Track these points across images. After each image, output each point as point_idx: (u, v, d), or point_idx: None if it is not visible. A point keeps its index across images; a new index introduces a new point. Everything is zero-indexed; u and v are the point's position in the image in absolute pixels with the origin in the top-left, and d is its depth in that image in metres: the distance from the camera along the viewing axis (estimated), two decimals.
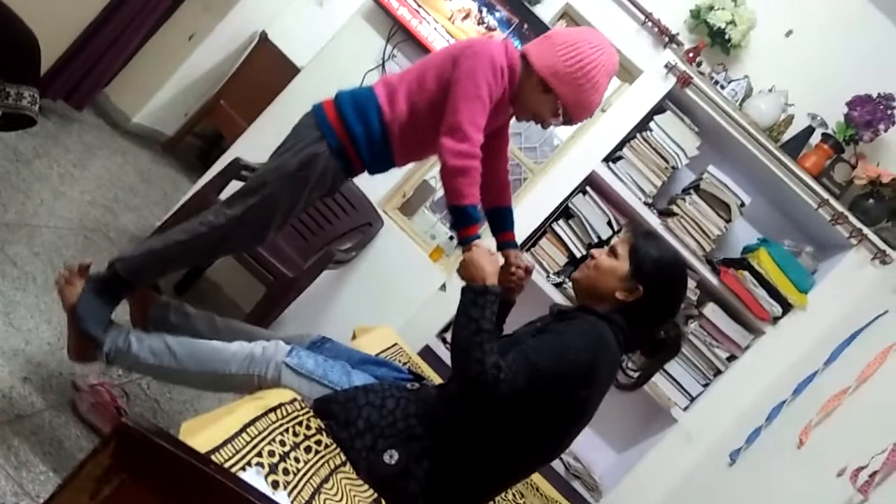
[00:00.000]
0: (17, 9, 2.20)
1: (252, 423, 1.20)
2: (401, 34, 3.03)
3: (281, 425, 1.28)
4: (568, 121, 1.84)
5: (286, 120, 2.90)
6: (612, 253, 1.60)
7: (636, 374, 1.67)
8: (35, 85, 2.00)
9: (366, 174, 1.94)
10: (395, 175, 3.02)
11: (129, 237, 2.97)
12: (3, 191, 2.49)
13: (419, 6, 2.96)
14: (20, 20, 1.97)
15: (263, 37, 4.63)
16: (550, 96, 1.76)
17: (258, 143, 3.05)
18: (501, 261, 1.73)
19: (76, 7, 3.02)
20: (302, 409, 1.40)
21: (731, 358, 2.80)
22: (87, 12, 3.14)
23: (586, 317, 1.55)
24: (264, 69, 4.53)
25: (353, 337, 2.42)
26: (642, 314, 1.56)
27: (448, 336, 2.76)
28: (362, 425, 1.45)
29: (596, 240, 2.84)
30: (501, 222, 1.92)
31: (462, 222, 1.67)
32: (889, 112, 2.68)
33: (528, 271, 1.81)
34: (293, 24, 4.78)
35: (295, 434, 1.30)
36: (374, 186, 3.01)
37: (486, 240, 1.69)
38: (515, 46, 1.86)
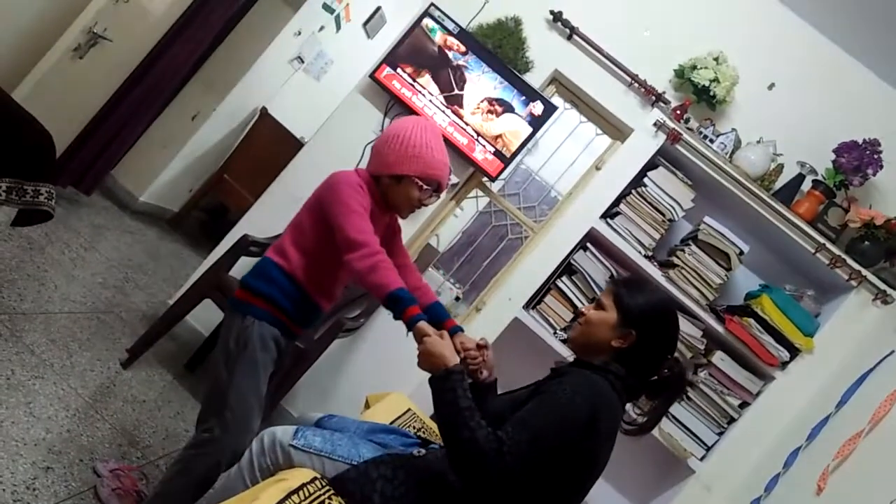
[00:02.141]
0: (28, 102, 2.31)
1: None
2: (398, 107, 3.14)
3: None
4: (436, 187, 2.02)
5: (291, 194, 3.02)
6: (599, 306, 1.65)
7: (646, 418, 1.67)
8: (51, 181, 2.08)
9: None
10: None
11: (141, 316, 3.02)
12: (19, 280, 2.55)
13: (414, 81, 3.08)
14: (35, 121, 2.07)
15: (264, 112, 4.78)
16: (404, 181, 1.97)
17: (265, 217, 3.14)
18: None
19: (84, 98, 3.15)
20: (322, 487, 1.42)
21: (744, 405, 2.81)
22: (95, 102, 3.26)
23: (579, 371, 1.58)
24: (266, 143, 4.67)
25: (367, 405, 2.45)
26: (641, 357, 1.60)
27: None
28: (378, 500, 1.47)
29: (599, 294, 2.87)
30: (435, 316, 1.99)
31: (399, 307, 1.72)
32: (875, 156, 2.75)
33: (482, 347, 1.84)
34: (292, 98, 4.94)
35: None
36: None
37: None
38: (361, 170, 2.04)
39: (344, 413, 2.04)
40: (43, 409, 2.03)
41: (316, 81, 5.15)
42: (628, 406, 1.66)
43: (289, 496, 1.28)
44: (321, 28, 4.76)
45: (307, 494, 1.34)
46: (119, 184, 4.23)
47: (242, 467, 1.61)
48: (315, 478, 1.43)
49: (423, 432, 2.22)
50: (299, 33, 4.55)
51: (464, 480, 1.44)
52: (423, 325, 1.67)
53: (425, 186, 1.97)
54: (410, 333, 1.70)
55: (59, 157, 3.23)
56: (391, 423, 2.16)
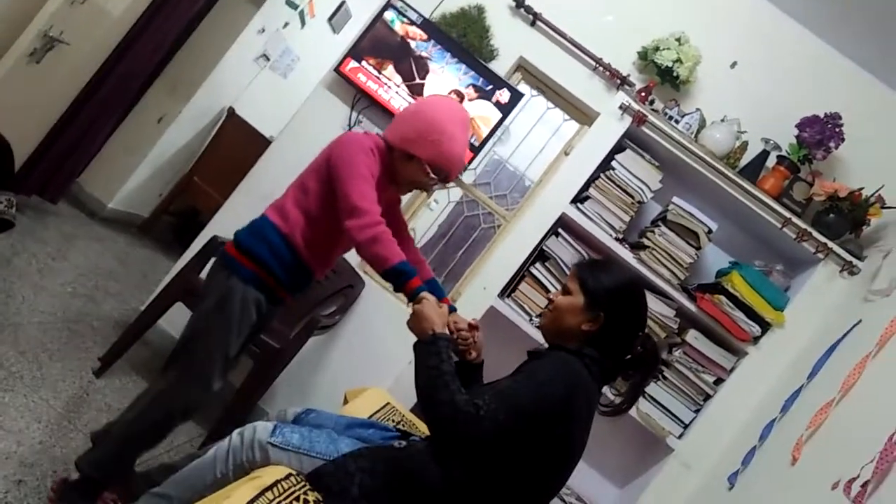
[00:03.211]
0: None
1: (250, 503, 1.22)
2: (364, 101, 3.13)
3: (279, 503, 1.29)
4: (444, 177, 1.98)
5: (260, 192, 2.99)
6: (566, 291, 1.67)
7: (624, 395, 1.68)
8: (10, 189, 2.04)
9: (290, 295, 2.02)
10: None
11: (113, 324, 2.98)
12: None
13: (379, 73, 3.07)
14: None
15: (231, 112, 4.74)
16: (414, 161, 1.93)
17: (234, 217, 3.10)
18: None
19: (44, 103, 3.09)
20: (298, 483, 1.42)
21: (718, 381, 2.85)
22: (55, 107, 3.21)
23: (556, 353, 1.60)
24: (234, 143, 4.63)
25: (345, 401, 2.44)
26: (612, 337, 1.62)
27: None
28: (357, 492, 1.46)
29: None
30: (432, 293, 1.98)
31: (400, 281, 1.74)
32: (837, 130, 2.79)
33: (473, 327, 1.85)
34: (258, 97, 4.90)
35: None
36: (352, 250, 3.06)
37: None
38: (376, 134, 2.00)
39: (323, 408, 2.04)
40: (13, 421, 2.00)
41: (283, 79, 5.11)
42: (605, 389, 1.67)
43: (262, 493, 1.27)
44: (286, 24, 4.72)
45: (282, 490, 1.34)
46: (86, 191, 4.17)
47: (217, 458, 1.60)
48: (290, 474, 1.43)
49: (403, 425, 2.22)
50: (263, 30, 4.51)
51: (438, 443, 1.47)
52: (426, 293, 1.69)
53: (433, 172, 1.94)
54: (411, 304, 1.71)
55: (21, 165, 3.19)
56: (370, 417, 2.16)
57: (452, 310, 1.94)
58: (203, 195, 4.56)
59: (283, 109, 4.30)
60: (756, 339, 2.79)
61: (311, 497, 1.40)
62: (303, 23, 4.87)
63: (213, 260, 2.02)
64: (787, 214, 2.79)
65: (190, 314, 2.62)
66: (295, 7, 4.67)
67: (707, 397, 2.84)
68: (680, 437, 2.81)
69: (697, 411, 2.84)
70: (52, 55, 2.76)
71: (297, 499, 1.36)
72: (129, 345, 2.61)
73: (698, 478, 2.69)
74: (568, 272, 2.89)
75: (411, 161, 1.94)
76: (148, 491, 1.67)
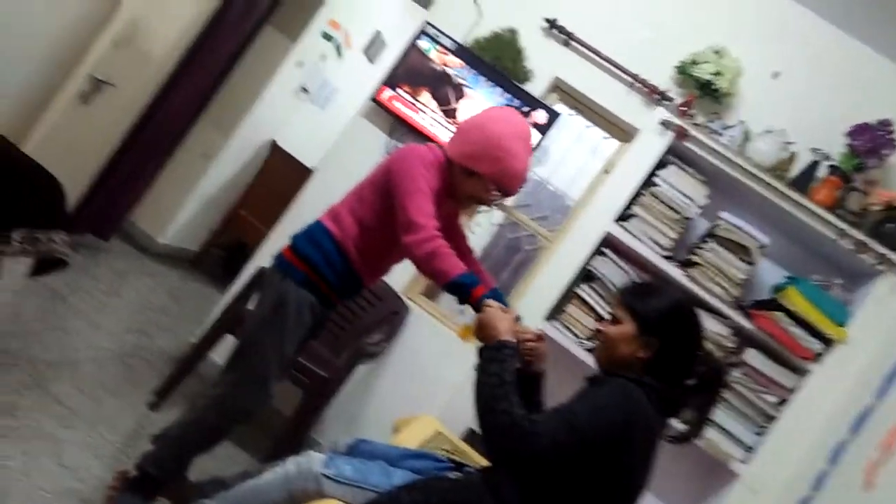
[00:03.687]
0: (38, 153, 2.35)
1: None
2: (401, 128, 3.15)
3: None
4: (505, 192, 1.96)
5: (304, 222, 3.00)
6: (615, 320, 1.61)
7: (693, 421, 1.62)
8: (64, 228, 2.10)
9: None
10: None
11: (166, 358, 3.03)
12: (43, 331, 2.58)
13: (415, 100, 3.09)
14: (43, 169, 2.10)
15: (274, 145, 4.82)
16: (475, 177, 1.90)
17: (280, 248, 3.15)
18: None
19: (94, 144, 3.19)
20: None
21: (782, 402, 2.74)
22: (105, 147, 3.31)
23: (617, 380, 1.54)
24: (278, 175, 4.70)
25: (395, 430, 2.43)
26: (671, 362, 1.56)
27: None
28: None
29: None
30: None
31: (463, 293, 1.73)
32: (889, 137, 2.70)
33: (539, 338, 1.82)
34: (299, 129, 4.98)
35: None
36: (396, 275, 3.04)
37: None
38: (438, 148, 1.98)
39: (372, 438, 2.02)
40: (72, 458, 2.03)
41: (322, 110, 5.19)
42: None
43: None
44: (323, 57, 4.80)
45: None
46: (137, 227, 4.28)
47: (272, 484, 1.60)
48: None
49: (455, 455, 2.19)
50: (301, 64, 4.59)
51: (493, 455, 1.44)
52: (490, 300, 1.67)
53: (495, 189, 1.92)
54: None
55: (74, 204, 3.30)
56: (421, 446, 2.14)
57: (517, 318, 1.91)
58: (250, 228, 4.62)
59: (323, 140, 4.36)
60: (818, 357, 2.69)
61: None
62: (339, 54, 4.95)
63: (267, 270, 2.05)
64: (843, 226, 2.69)
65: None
66: (331, 39, 4.75)
67: (770, 418, 2.73)
68: (744, 461, 2.71)
69: (761, 433, 2.74)
70: (99, 97, 2.86)
71: None
72: (182, 378, 2.64)
73: None
74: (614, 295, 2.85)
75: (472, 177, 1.92)
76: (199, 501, 1.68)
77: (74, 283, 3.15)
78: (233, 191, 4.78)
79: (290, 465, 1.63)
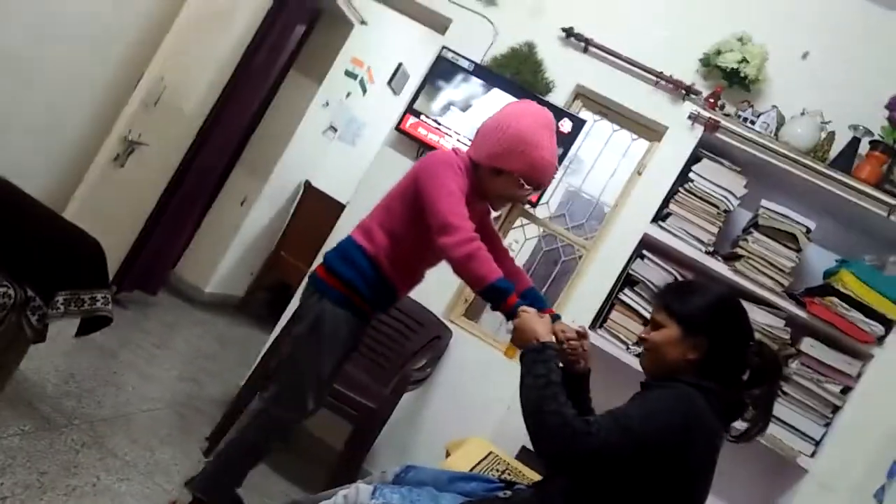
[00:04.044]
0: (79, 218, 2.43)
1: None
2: (428, 152, 3.15)
3: None
4: (537, 185, 1.93)
5: None
6: (656, 325, 1.56)
7: (755, 417, 1.54)
8: (105, 286, 2.15)
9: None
10: (452, 284, 3.07)
11: (218, 403, 3.07)
12: (96, 388, 2.64)
13: (439, 125, 3.10)
14: (81, 231, 2.16)
15: (307, 185, 4.91)
16: (504, 175, 1.88)
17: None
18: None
19: (132, 203, 3.29)
20: None
21: (846, 390, 2.61)
22: (143, 206, 3.41)
23: (674, 384, 1.48)
24: (314, 214, 4.77)
25: (448, 454, 2.40)
26: (723, 358, 1.50)
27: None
28: None
29: None
30: (534, 303, 1.91)
31: (498, 299, 1.70)
32: None
33: (582, 335, 1.77)
34: (331, 167, 5.07)
35: None
36: (435, 299, 3.06)
37: None
38: (462, 151, 1.98)
39: (425, 464, 2.00)
40: None
41: (352, 146, 5.27)
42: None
43: None
44: (348, 94, 4.88)
45: None
46: (183, 279, 4.38)
47: None
48: None
49: (509, 474, 2.15)
50: (327, 104, 4.67)
51: (544, 458, 1.40)
52: (524, 307, 1.67)
53: (525, 183, 1.90)
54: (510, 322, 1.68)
55: (120, 263, 3.39)
56: (472, 468, 2.10)
57: (557, 318, 1.88)
58: (291, 268, 4.69)
59: (355, 175, 4.42)
60: (880, 339, 2.56)
61: None
62: (364, 90, 5.03)
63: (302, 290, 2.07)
64: (892, 201, 2.57)
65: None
66: (354, 77, 4.83)
67: (835, 409, 2.61)
68: (812, 455, 2.58)
69: (827, 425, 2.61)
70: (133, 157, 2.95)
71: None
72: (233, 420, 2.65)
73: (841, 498, 2.45)
74: (652, 300, 2.77)
75: (501, 176, 1.90)
76: None
77: (125, 338, 3.23)
78: (271, 234, 4.87)
79: (339, 499, 1.61)
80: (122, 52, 2.92)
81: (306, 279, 2.06)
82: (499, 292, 1.70)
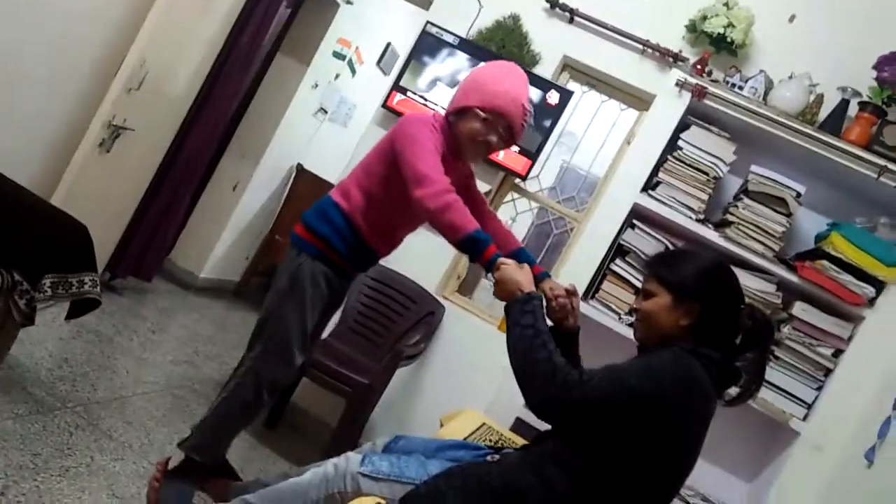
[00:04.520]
0: (71, 205, 2.43)
1: None
2: None
3: None
4: (500, 119, 1.89)
5: None
6: (647, 294, 1.57)
7: (747, 380, 1.55)
8: (93, 269, 2.16)
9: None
10: (444, 260, 3.07)
11: (214, 385, 3.08)
12: (90, 372, 2.65)
13: (425, 101, 3.08)
14: (68, 216, 2.16)
15: (300, 168, 4.89)
16: (467, 114, 1.89)
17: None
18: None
19: (122, 188, 3.28)
20: None
21: (838, 353, 2.61)
22: (134, 191, 3.40)
23: (672, 348, 1.48)
24: (307, 197, 4.75)
25: (441, 426, 2.40)
26: (715, 322, 1.51)
27: None
28: None
29: None
30: (521, 262, 1.92)
31: (475, 250, 1.69)
32: None
33: (571, 293, 1.77)
34: (323, 149, 5.05)
35: None
36: (428, 276, 3.06)
37: None
38: (441, 115, 2.00)
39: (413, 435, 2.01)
40: (125, 488, 2.07)
41: (343, 128, 5.25)
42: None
43: None
44: (337, 76, 4.86)
45: None
46: (178, 265, 4.39)
47: (311, 484, 1.60)
48: (378, 503, 1.40)
49: (502, 444, 2.16)
50: (316, 86, 4.65)
51: (536, 407, 1.40)
52: (504, 259, 1.66)
53: (487, 117, 1.88)
54: (490, 274, 1.68)
55: (112, 250, 3.39)
56: (465, 438, 2.11)
57: (546, 276, 1.88)
58: (286, 252, 4.69)
59: (348, 157, 4.41)
60: (871, 301, 2.55)
61: None
62: (353, 71, 5.00)
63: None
64: (882, 162, 2.55)
65: None
66: (343, 58, 4.80)
67: (827, 372, 2.61)
68: (805, 418, 2.59)
69: (820, 388, 2.61)
70: (119, 143, 2.93)
71: None
72: None
73: (832, 459, 2.46)
74: (642, 270, 2.77)
75: (464, 115, 1.90)
76: (240, 497, 1.70)
77: (120, 324, 3.24)
78: (265, 218, 4.87)
79: (329, 467, 1.62)
80: (106, 35, 2.90)
81: (289, 240, 2.08)
82: (476, 243, 1.69)
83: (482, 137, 1.91)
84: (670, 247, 2.79)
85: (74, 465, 2.06)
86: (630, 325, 2.77)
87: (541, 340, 1.41)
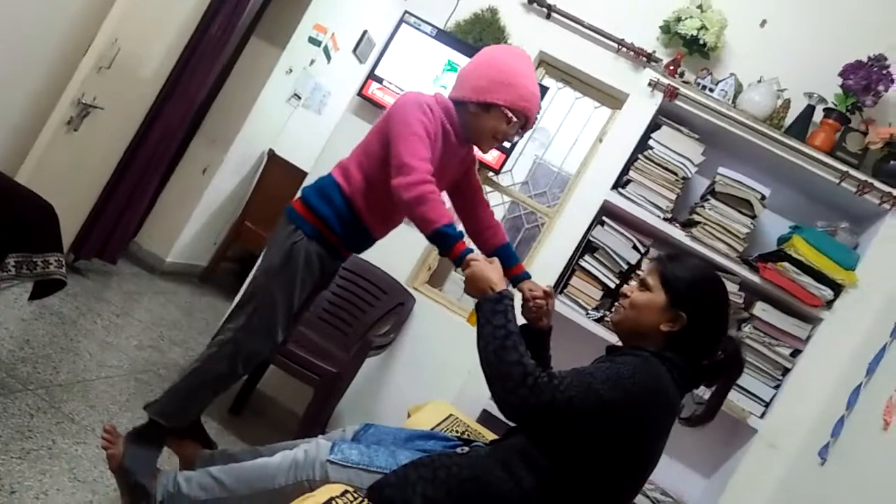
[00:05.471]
0: (37, 183, 2.38)
1: None
2: None
3: None
4: (523, 119, 1.91)
5: None
6: (644, 286, 1.56)
7: (706, 404, 1.56)
8: (58, 250, 2.12)
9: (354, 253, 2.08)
10: (416, 251, 3.08)
11: (179, 370, 3.05)
12: (53, 354, 2.61)
13: (401, 90, 3.08)
14: (34, 195, 2.11)
15: (271, 154, 4.84)
16: (492, 110, 1.87)
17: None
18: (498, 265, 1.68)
19: (89, 169, 3.22)
20: (355, 499, 1.39)
21: (795, 353, 2.69)
22: (101, 171, 3.34)
23: (639, 352, 1.50)
24: (278, 184, 4.72)
25: (409, 417, 2.42)
26: (694, 341, 1.51)
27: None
28: (419, 502, 1.43)
29: (626, 266, 2.81)
30: (506, 259, 1.95)
31: (446, 244, 1.69)
32: (884, 72, 2.64)
33: (548, 294, 1.80)
34: (296, 136, 5.00)
35: None
36: (399, 266, 3.07)
37: None
38: (444, 96, 1.95)
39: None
40: (87, 472, 2.05)
41: (318, 115, 5.21)
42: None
43: None
44: (312, 62, 4.81)
45: None
46: (144, 249, 4.32)
47: (280, 468, 1.59)
48: (346, 490, 1.41)
49: (469, 435, 2.18)
50: (290, 71, 4.60)
51: (504, 407, 1.41)
52: (474, 254, 1.64)
53: (514, 119, 1.88)
54: (460, 269, 1.67)
55: (77, 230, 3.33)
56: (432, 429, 2.12)
57: (526, 276, 1.89)
58: (256, 238, 4.66)
59: (321, 144, 4.38)
60: (829, 304, 2.63)
61: None
62: (328, 58, 4.96)
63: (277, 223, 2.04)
64: (844, 168, 2.63)
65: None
66: (318, 44, 4.76)
67: (785, 371, 2.69)
68: (762, 416, 2.66)
69: (777, 387, 2.69)
70: (88, 121, 2.88)
71: None
72: None
73: (787, 456, 2.54)
74: (618, 260, 2.82)
75: (489, 112, 1.88)
76: (206, 468, 1.69)
77: (84, 307, 3.19)
78: (235, 203, 4.81)
79: (299, 453, 1.62)
80: (77, 12, 2.83)
81: (284, 212, 2.02)
82: (446, 237, 1.68)
83: (505, 135, 1.92)
84: (638, 244, 2.84)
85: (35, 447, 2.03)
86: (597, 320, 2.82)
87: (512, 342, 1.41)
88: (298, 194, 2.02)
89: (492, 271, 1.58)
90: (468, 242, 1.79)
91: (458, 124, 1.91)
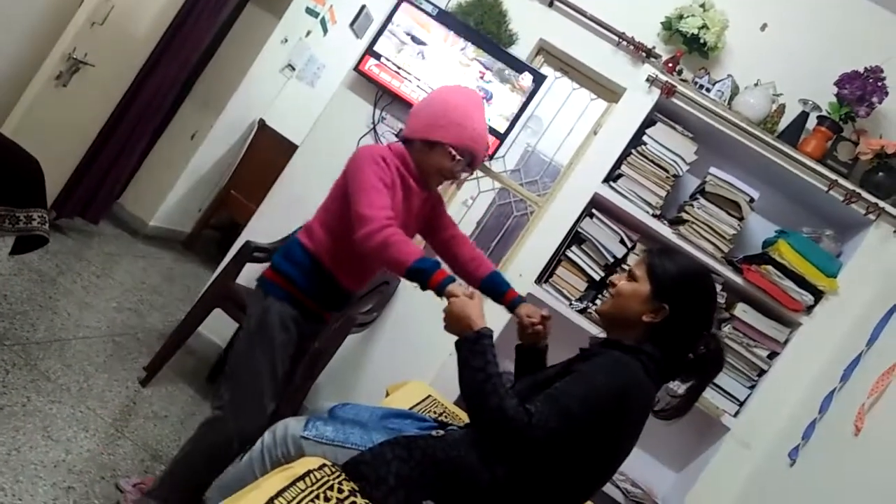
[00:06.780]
0: (22, 138, 2.33)
1: (280, 494, 1.20)
2: (387, 97, 3.12)
3: (311, 492, 1.28)
4: (469, 157, 1.92)
5: (291, 196, 3.00)
6: (631, 277, 1.58)
7: (682, 398, 1.57)
8: (42, 206, 2.08)
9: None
10: None
11: (158, 335, 3.03)
12: (30, 311, 2.57)
13: (399, 68, 3.05)
14: (20, 148, 2.08)
15: (262, 124, 4.79)
16: (437, 147, 1.88)
17: (267, 223, 3.14)
18: (478, 294, 1.65)
19: (76, 126, 3.16)
20: (332, 473, 1.39)
21: (773, 355, 2.73)
22: (88, 129, 3.28)
23: (610, 352, 1.51)
24: (267, 154, 4.68)
25: (387, 396, 2.43)
26: (674, 333, 1.52)
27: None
28: (393, 481, 1.43)
29: (611, 259, 2.83)
30: (496, 287, 1.96)
31: (423, 279, 1.66)
32: (879, 84, 2.65)
33: (545, 318, 1.80)
34: (288, 107, 4.95)
35: (327, 499, 1.29)
36: None
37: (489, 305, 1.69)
38: (397, 143, 1.97)
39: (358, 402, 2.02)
40: (61, 431, 2.03)
41: (311, 87, 5.15)
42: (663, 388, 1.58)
43: (294, 483, 1.26)
44: (308, 33, 4.75)
45: (314, 480, 1.32)
46: (127, 210, 4.27)
47: (253, 459, 1.59)
48: (324, 464, 1.41)
49: (445, 417, 2.19)
50: (286, 41, 4.54)
51: (485, 439, 1.43)
52: (453, 286, 1.62)
53: (458, 157, 1.89)
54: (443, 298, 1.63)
55: (61, 188, 3.28)
56: (411, 409, 2.13)
57: (521, 300, 1.89)
58: (241, 207, 4.61)
59: (312, 116, 4.34)
60: (809, 309, 2.67)
61: (347, 486, 1.38)
62: (325, 30, 4.90)
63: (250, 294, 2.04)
64: (833, 176, 2.66)
65: (228, 318, 2.68)
66: (315, 15, 4.70)
67: (761, 372, 2.73)
68: (736, 415, 2.70)
69: (752, 387, 2.73)
70: (77, 77, 2.82)
71: (331, 488, 1.33)
72: (172, 353, 2.64)
73: (757, 456, 2.58)
74: (605, 253, 2.84)
75: (434, 149, 1.89)
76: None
77: (64, 265, 3.14)
78: (222, 171, 4.77)
79: (267, 437, 1.61)
80: None
81: (255, 282, 1.99)
82: (420, 273, 1.65)
83: (450, 171, 1.92)
84: (625, 239, 2.85)
85: (9, 403, 2.01)
86: (581, 311, 2.84)
87: (491, 385, 1.39)
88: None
89: (471, 307, 1.54)
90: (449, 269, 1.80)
91: (413, 168, 1.91)
